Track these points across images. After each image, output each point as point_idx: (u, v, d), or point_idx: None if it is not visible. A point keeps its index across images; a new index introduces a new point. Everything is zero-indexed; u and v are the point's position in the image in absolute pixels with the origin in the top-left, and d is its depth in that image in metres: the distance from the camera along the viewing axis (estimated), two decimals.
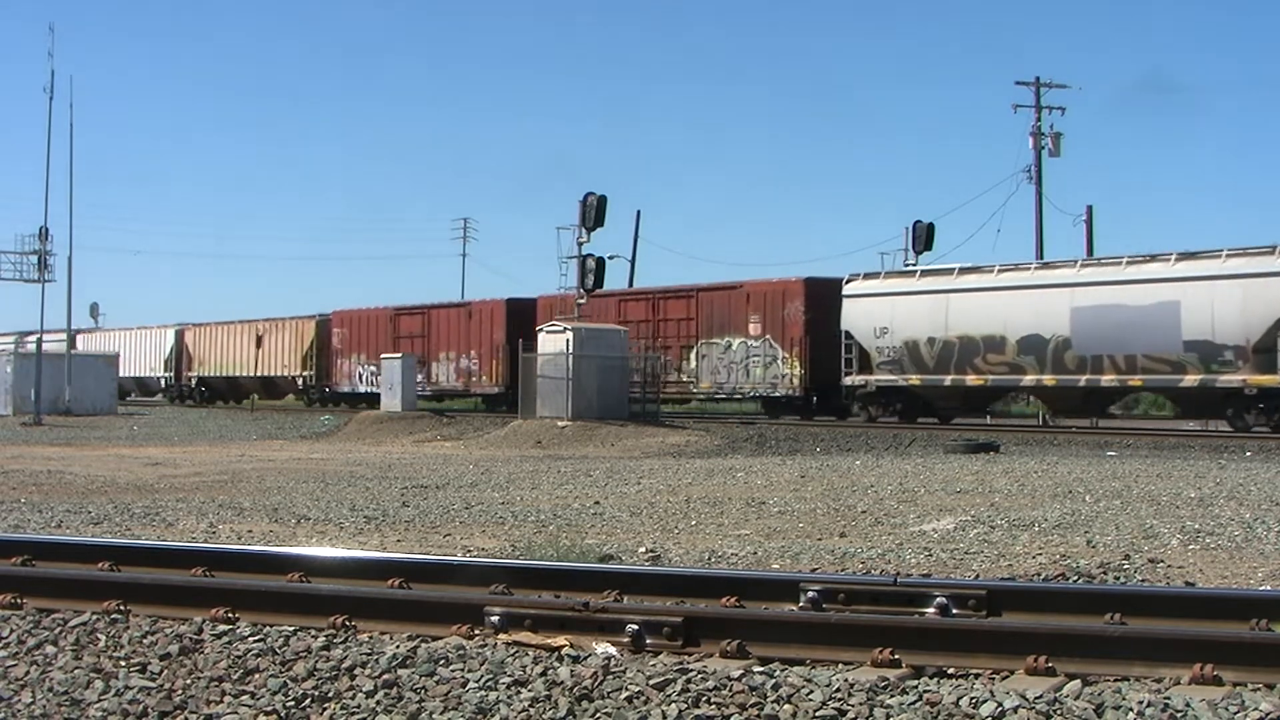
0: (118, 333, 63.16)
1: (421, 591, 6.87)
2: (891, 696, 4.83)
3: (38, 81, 69.55)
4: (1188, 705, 4.60)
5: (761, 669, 5.19)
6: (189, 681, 5.44)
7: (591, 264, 34.33)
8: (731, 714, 4.81)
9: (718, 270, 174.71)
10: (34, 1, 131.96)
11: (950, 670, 5.42)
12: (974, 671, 5.39)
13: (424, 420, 37.43)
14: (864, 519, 12.47)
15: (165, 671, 5.57)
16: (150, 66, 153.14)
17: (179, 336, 58.31)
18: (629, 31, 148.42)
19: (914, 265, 35.21)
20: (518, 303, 42.11)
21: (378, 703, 5.11)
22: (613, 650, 5.63)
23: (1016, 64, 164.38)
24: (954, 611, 6.33)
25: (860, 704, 4.77)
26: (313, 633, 5.90)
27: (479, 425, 35.01)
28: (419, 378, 43.88)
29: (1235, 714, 4.57)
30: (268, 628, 6.03)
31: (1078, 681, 5.04)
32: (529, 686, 5.12)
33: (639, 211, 59.79)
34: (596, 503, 14.25)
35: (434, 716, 4.98)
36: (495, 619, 5.99)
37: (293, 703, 5.18)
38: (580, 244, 34.40)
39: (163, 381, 59.51)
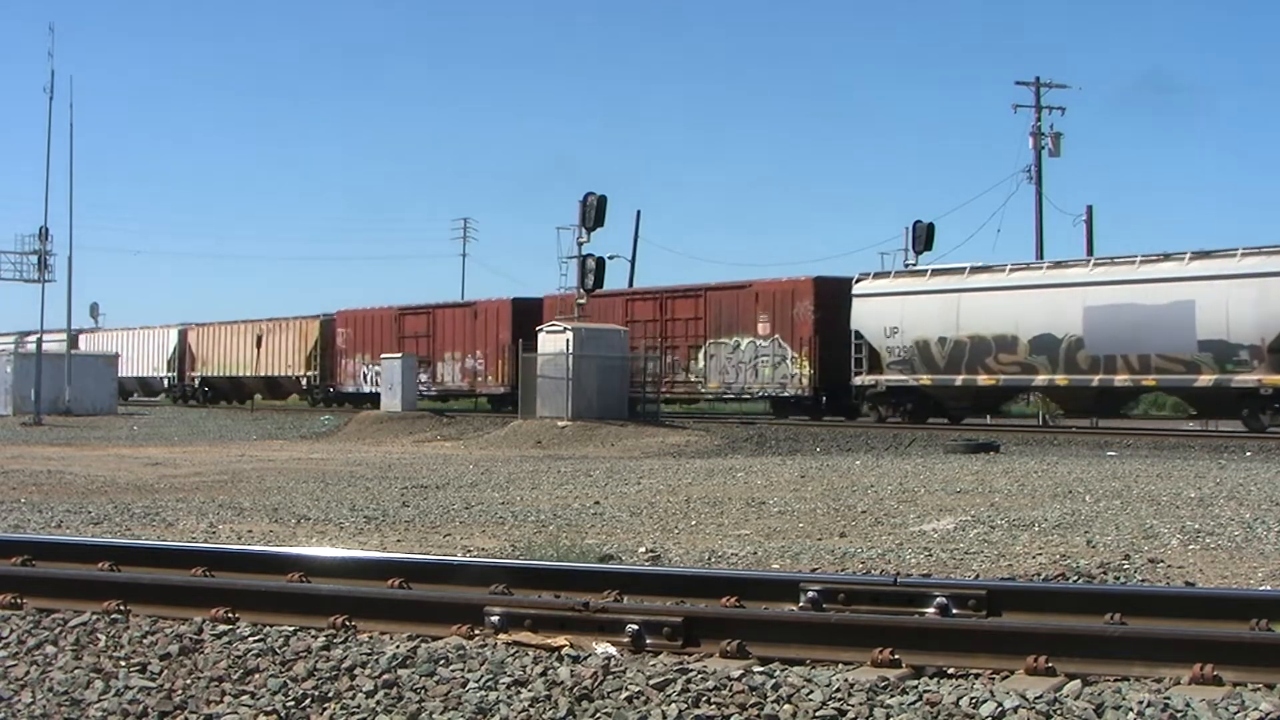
0: (121, 332, 63.00)
1: (421, 591, 6.87)
2: (891, 696, 4.83)
3: (38, 81, 69.62)
4: (1188, 705, 4.60)
5: (761, 669, 5.19)
6: (189, 681, 5.44)
7: (591, 264, 34.31)
8: (731, 714, 4.81)
9: (717, 270, 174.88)
10: (34, 1, 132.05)
11: (950, 670, 5.42)
12: (974, 671, 5.39)
13: (424, 420, 37.43)
14: (864, 519, 12.47)
15: (165, 671, 5.57)
16: (150, 66, 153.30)
17: (182, 336, 58.18)
18: (629, 31, 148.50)
19: (916, 265, 35.04)
20: (523, 302, 41.85)
21: (378, 703, 5.11)
22: (613, 650, 5.63)
23: (1016, 64, 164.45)
24: (954, 611, 6.32)
25: (860, 704, 4.77)
26: (313, 633, 5.90)
27: (479, 425, 35.01)
28: (424, 378, 43.80)
29: (1235, 714, 4.56)
30: (268, 628, 6.03)
31: (1078, 681, 5.04)
32: (529, 686, 5.12)
33: (639, 211, 59.85)
34: (596, 503, 14.25)
35: (434, 716, 4.98)
36: (495, 619, 5.99)
37: (293, 703, 5.18)
38: (580, 244, 34.39)
39: (166, 381, 59.37)
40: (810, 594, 6.57)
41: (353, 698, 5.17)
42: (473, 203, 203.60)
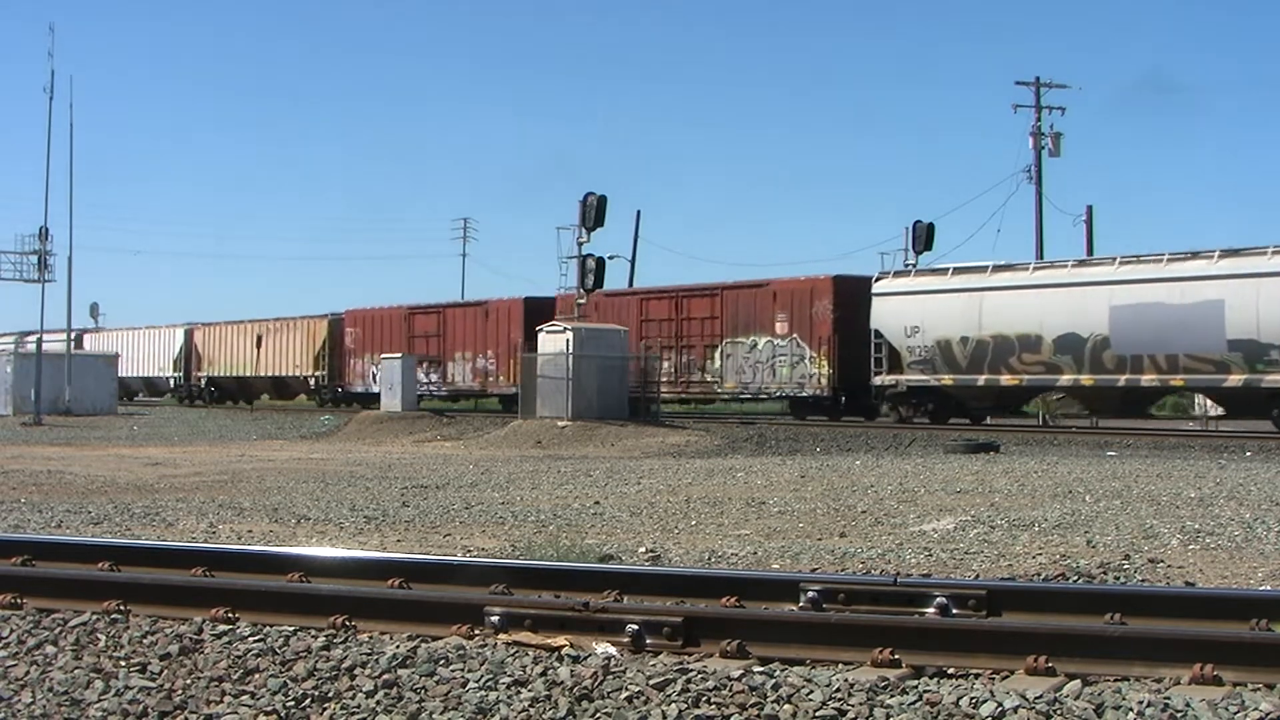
0: (126, 332, 62.71)
1: (421, 591, 6.87)
2: (891, 696, 4.83)
3: (38, 81, 69.47)
4: (1188, 705, 4.60)
5: (761, 669, 5.19)
6: (189, 681, 5.44)
7: (591, 264, 34.32)
8: (731, 714, 4.81)
9: (717, 270, 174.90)
10: (34, 1, 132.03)
11: (950, 670, 5.42)
12: (974, 671, 5.39)
13: (424, 420, 37.42)
14: (864, 519, 12.47)
15: (165, 671, 5.57)
16: (150, 66, 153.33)
17: (188, 336, 57.89)
18: (629, 31, 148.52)
19: (919, 265, 34.97)
20: (535, 301, 41.07)
21: (378, 703, 5.11)
22: (613, 650, 5.63)
23: (1016, 64, 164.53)
24: (954, 611, 6.32)
25: (860, 704, 4.77)
26: (313, 633, 5.90)
27: (479, 425, 35.01)
28: (434, 378, 43.68)
29: (1235, 714, 4.56)
30: (268, 628, 6.03)
31: (1078, 681, 5.04)
32: (529, 686, 5.12)
33: (639, 211, 59.76)
34: (596, 503, 14.25)
35: (434, 716, 4.98)
36: (495, 619, 5.99)
37: (293, 703, 5.18)
38: (580, 244, 34.42)
39: (172, 382, 59.08)
40: (810, 594, 6.57)
41: (353, 698, 5.17)
42: (473, 203, 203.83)
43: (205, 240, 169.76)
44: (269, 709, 5.13)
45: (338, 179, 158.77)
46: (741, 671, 5.09)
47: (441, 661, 5.40)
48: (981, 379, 30.85)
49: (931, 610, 6.34)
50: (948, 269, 32.80)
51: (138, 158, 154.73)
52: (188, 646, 5.79)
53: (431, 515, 12.90)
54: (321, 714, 5.10)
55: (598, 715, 4.88)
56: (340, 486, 16.74)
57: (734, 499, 14.55)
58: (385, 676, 5.30)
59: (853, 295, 33.73)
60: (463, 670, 5.32)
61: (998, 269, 31.37)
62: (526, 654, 5.47)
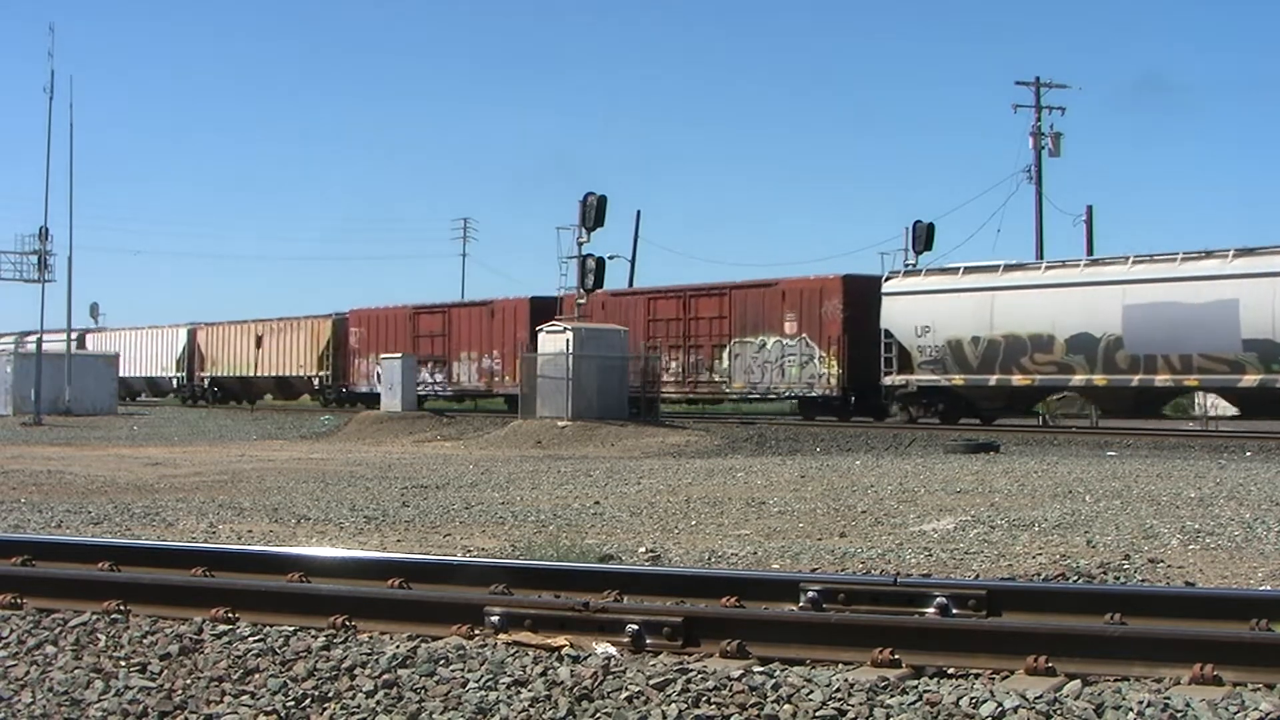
0: (128, 332, 62.58)
1: (421, 591, 6.87)
2: (891, 696, 4.83)
3: (38, 81, 69.46)
4: (1188, 705, 4.60)
5: (761, 669, 5.19)
6: (189, 681, 5.44)
7: (591, 264, 34.30)
8: (731, 714, 4.81)
9: (718, 270, 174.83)
10: (34, 1, 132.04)
11: (950, 670, 5.42)
12: (974, 671, 5.39)
13: (424, 420, 37.41)
14: (864, 519, 12.47)
15: (165, 671, 5.57)
16: (150, 66, 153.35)
17: (191, 336, 57.75)
18: (629, 30, 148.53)
19: (916, 265, 34.94)
20: (541, 301, 40.53)
21: (378, 703, 5.11)
22: (613, 650, 5.63)
23: (1016, 64, 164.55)
24: (954, 611, 6.32)
25: (860, 704, 4.77)
26: (313, 633, 5.90)
27: (479, 425, 35.01)
28: (439, 378, 43.59)
29: (1235, 714, 4.56)
30: (268, 628, 6.03)
31: (1078, 681, 5.04)
32: (529, 686, 5.12)
33: (639, 211, 59.70)
34: (596, 503, 14.25)
35: (434, 716, 4.98)
36: (495, 619, 5.99)
37: (293, 703, 5.18)
38: (580, 244, 34.39)
39: (175, 382, 58.95)
40: (810, 594, 6.57)
41: (353, 698, 5.17)
42: (473, 203, 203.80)
43: (205, 240, 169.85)
44: (269, 709, 5.13)
45: (338, 179, 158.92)
46: (741, 671, 5.09)
47: (441, 661, 5.40)
48: (993, 379, 30.67)
49: (931, 610, 6.34)
50: (958, 268, 32.50)
51: (138, 158, 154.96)
52: (188, 646, 5.79)
53: (431, 515, 12.90)
54: (321, 714, 5.10)
55: (598, 715, 4.88)
56: (340, 486, 16.74)
57: (734, 499, 14.55)
58: (385, 676, 5.30)
59: (862, 295, 33.50)
60: (463, 670, 5.32)
61: (1009, 268, 31.15)
62: (526, 654, 5.47)
